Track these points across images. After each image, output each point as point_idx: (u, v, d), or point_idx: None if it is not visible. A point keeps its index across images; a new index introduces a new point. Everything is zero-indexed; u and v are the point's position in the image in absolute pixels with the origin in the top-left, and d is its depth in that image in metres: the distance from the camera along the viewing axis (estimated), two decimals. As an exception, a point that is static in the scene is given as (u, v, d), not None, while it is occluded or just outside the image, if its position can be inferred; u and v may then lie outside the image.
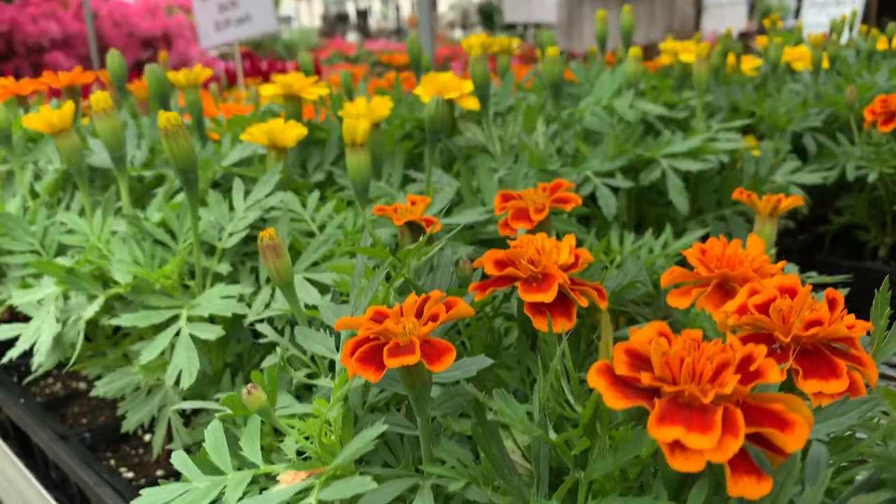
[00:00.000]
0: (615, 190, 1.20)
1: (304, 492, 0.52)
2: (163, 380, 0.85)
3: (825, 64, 2.02)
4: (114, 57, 1.34)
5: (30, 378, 1.20)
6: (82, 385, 1.27)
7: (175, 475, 1.02)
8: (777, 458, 0.45)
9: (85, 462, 1.00)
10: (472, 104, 1.26)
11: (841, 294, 0.60)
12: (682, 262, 0.84)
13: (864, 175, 1.51)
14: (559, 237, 1.10)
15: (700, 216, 1.40)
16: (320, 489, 0.51)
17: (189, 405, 0.72)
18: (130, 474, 1.01)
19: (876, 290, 1.63)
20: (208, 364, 0.88)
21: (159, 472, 1.01)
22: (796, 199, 0.94)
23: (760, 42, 2.49)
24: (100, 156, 1.20)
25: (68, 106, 1.05)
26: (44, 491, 1.11)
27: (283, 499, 0.52)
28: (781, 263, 0.77)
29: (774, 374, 0.45)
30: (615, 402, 0.44)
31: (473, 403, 0.52)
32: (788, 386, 0.58)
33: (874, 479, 0.48)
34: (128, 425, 0.89)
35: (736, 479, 0.42)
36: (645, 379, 0.45)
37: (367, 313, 0.57)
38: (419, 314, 0.56)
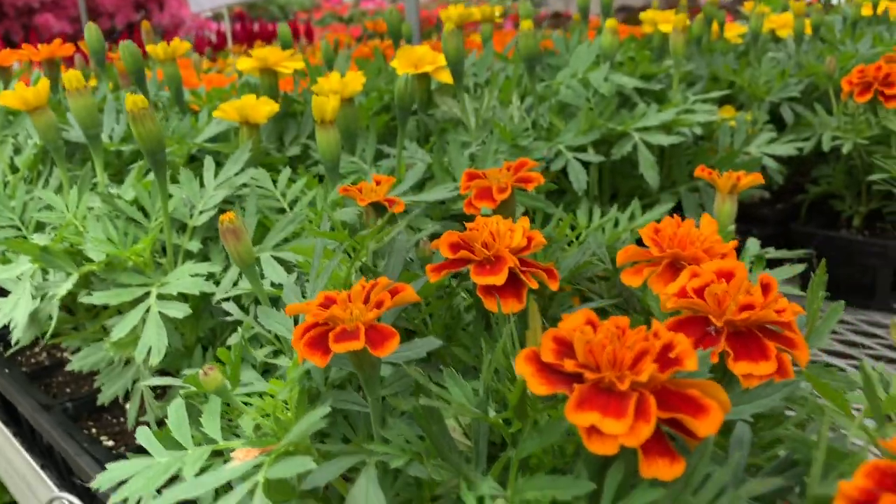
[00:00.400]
0: (586, 164, 1.22)
1: (256, 468, 0.55)
2: (132, 356, 0.88)
3: (808, 31, 2.02)
4: (91, 30, 1.35)
5: (12, 350, 1.23)
6: (67, 355, 1.30)
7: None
8: (693, 441, 0.48)
9: (66, 431, 1.03)
10: (447, 77, 1.26)
11: (775, 279, 0.62)
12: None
13: (840, 145, 1.53)
14: (528, 213, 1.14)
15: (674, 188, 1.42)
16: (269, 466, 0.54)
17: (157, 381, 0.75)
18: (111, 443, 1.04)
19: (850, 259, 1.63)
20: (180, 338, 0.91)
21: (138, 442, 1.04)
22: (756, 177, 0.96)
23: (747, 7, 2.48)
24: (79, 131, 1.21)
25: (43, 83, 1.06)
26: (30, 459, 1.14)
27: (235, 475, 0.55)
28: (733, 243, 0.79)
29: (692, 363, 0.48)
30: (539, 387, 0.47)
31: (416, 384, 0.55)
32: (721, 368, 0.61)
33: (788, 460, 0.51)
34: (103, 398, 0.92)
35: (649, 461, 0.45)
36: (568, 366, 0.48)
37: (316, 299, 0.59)
38: (367, 300, 0.58)
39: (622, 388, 0.46)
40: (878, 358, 1.42)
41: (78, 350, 1.03)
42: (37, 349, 1.34)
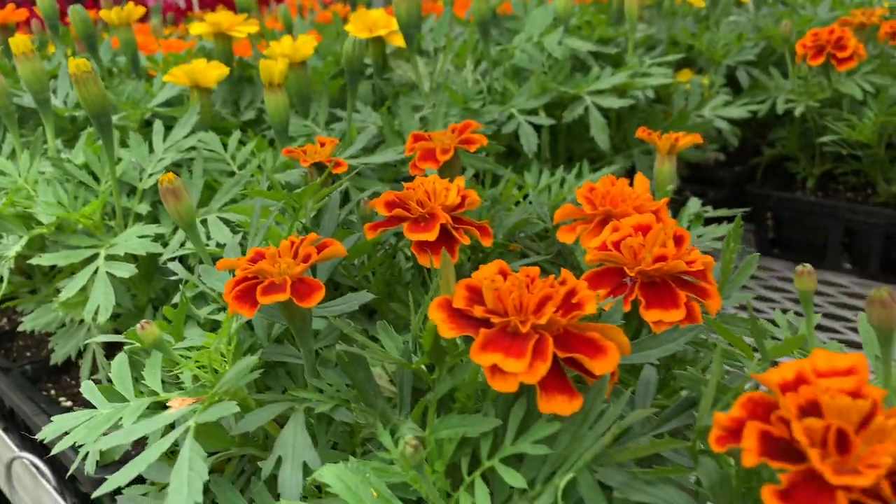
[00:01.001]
0: (538, 127, 1.24)
1: (190, 415, 0.58)
2: (80, 315, 0.90)
3: (769, -5, 2.04)
4: (43, -5, 1.34)
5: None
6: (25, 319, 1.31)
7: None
8: (592, 379, 0.51)
9: (25, 393, 1.06)
10: (400, 41, 1.28)
11: (688, 232, 0.65)
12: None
13: (794, 108, 1.56)
14: (478, 175, 1.16)
15: (628, 150, 1.45)
16: (200, 413, 0.57)
17: (105, 338, 0.77)
18: (69, 403, 1.07)
19: (803, 220, 1.66)
20: (131, 299, 0.93)
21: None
22: (694, 138, 0.98)
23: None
24: (29, 97, 1.21)
25: (-9, 48, 1.06)
26: (-8, 421, 1.16)
27: (168, 421, 0.57)
28: (664, 200, 0.82)
29: (591, 306, 0.51)
30: (448, 331, 0.50)
31: (341, 334, 0.58)
32: (638, 317, 0.64)
33: (689, 399, 0.55)
34: (56, 357, 0.94)
35: (548, 398, 0.48)
36: (477, 311, 0.51)
37: (247, 254, 0.61)
38: (296, 255, 0.61)
39: (524, 331, 0.48)
40: (826, 315, 1.47)
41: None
42: (-2, 315, 1.35)
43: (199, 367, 0.65)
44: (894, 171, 1.56)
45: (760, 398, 0.43)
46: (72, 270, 1.02)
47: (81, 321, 0.95)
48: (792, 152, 1.73)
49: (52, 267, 1.10)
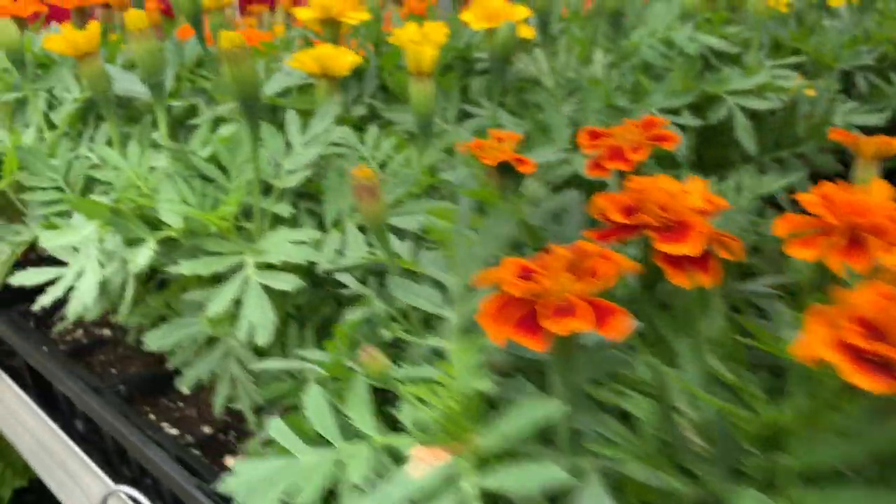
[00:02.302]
0: (682, 128, 1.12)
1: (455, 475, 0.45)
2: (229, 334, 0.77)
3: (855, 1, 1.93)
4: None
5: (60, 327, 1.13)
6: (107, 332, 1.18)
7: (224, 430, 0.95)
8: None
9: (123, 415, 0.93)
10: (528, 32, 1.16)
11: None
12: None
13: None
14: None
15: (759, 158, 1.33)
16: (475, 473, 0.44)
17: (270, 365, 0.65)
18: (174, 430, 0.94)
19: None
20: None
21: (206, 430, 0.94)
22: (905, 140, 0.87)
23: (791, -25, 2.38)
24: (121, 84, 1.09)
25: (94, 27, 0.94)
26: (77, 449, 1.03)
27: (432, 482, 0.44)
28: (915, 211, 0.70)
29: None
30: (862, 380, 0.37)
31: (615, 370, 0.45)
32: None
33: None
34: (186, 382, 0.80)
35: None
36: (883, 349, 0.38)
37: (508, 267, 0.49)
38: (574, 270, 0.48)
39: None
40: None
41: (140, 328, 0.92)
42: (71, 326, 1.22)
43: (426, 407, 0.52)
44: None
45: None
46: (185, 283, 0.89)
47: (210, 339, 0.82)
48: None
49: (153, 274, 0.97)
